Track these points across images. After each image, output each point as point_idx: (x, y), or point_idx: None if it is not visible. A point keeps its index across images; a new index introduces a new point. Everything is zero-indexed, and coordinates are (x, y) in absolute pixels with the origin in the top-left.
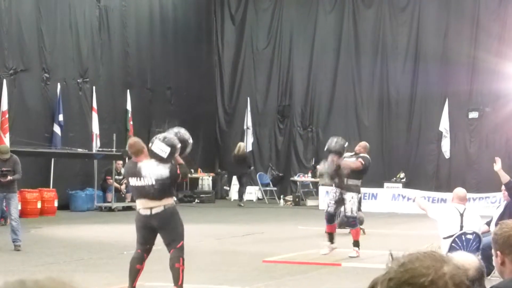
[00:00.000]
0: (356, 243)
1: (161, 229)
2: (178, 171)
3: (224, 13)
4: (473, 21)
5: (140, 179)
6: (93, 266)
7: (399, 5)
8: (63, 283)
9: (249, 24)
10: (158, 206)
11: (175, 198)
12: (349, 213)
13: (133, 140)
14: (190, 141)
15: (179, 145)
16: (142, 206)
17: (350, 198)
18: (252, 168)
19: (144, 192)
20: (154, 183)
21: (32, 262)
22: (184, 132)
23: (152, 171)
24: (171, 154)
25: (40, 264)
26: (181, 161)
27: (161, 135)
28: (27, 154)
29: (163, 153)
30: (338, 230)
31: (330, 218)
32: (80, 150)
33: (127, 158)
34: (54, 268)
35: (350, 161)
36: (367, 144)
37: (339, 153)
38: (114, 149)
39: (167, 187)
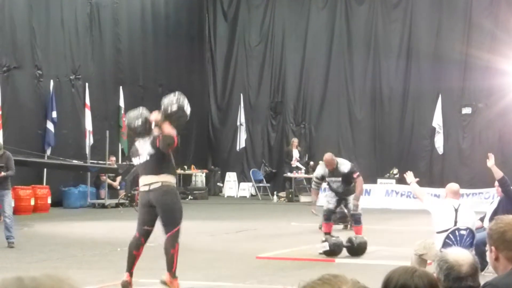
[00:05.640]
0: None
1: (157, 207)
2: (158, 144)
3: (217, 10)
4: (465, 18)
5: (139, 158)
6: (86, 263)
7: (392, 2)
8: (60, 280)
9: (242, 20)
10: (156, 182)
11: (174, 180)
12: (354, 211)
13: None
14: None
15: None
16: (143, 183)
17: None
18: (291, 163)
19: (143, 169)
20: (148, 158)
21: (25, 259)
22: (183, 99)
23: (145, 149)
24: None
25: (34, 261)
26: (167, 130)
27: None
28: (20, 164)
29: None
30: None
31: (329, 214)
32: (75, 162)
33: (122, 174)
34: (47, 265)
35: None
36: (331, 157)
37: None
38: (108, 162)
39: (161, 160)
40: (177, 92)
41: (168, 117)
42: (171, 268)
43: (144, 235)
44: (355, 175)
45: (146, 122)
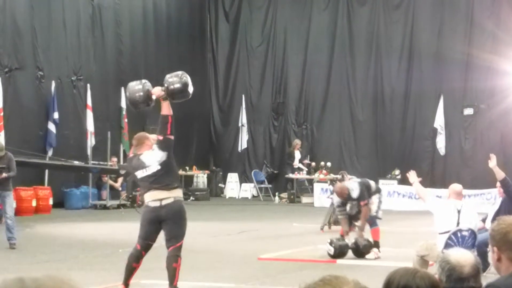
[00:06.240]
0: (376, 244)
1: (167, 221)
2: (162, 138)
3: (218, 11)
4: (467, 18)
5: (146, 170)
6: (88, 264)
7: (393, 3)
8: (62, 280)
9: (243, 21)
10: (168, 198)
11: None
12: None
13: (139, 133)
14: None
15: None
16: (152, 198)
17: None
18: (293, 164)
19: (153, 182)
20: (160, 167)
21: (27, 260)
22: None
23: (153, 158)
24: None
25: (35, 262)
26: (164, 110)
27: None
28: (22, 164)
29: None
30: (332, 227)
31: (349, 220)
32: (76, 163)
33: (124, 175)
34: (49, 267)
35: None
36: (340, 189)
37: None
38: (109, 163)
39: (172, 169)
40: (180, 71)
41: (171, 94)
42: (173, 282)
43: (146, 249)
44: (362, 203)
45: (148, 97)
